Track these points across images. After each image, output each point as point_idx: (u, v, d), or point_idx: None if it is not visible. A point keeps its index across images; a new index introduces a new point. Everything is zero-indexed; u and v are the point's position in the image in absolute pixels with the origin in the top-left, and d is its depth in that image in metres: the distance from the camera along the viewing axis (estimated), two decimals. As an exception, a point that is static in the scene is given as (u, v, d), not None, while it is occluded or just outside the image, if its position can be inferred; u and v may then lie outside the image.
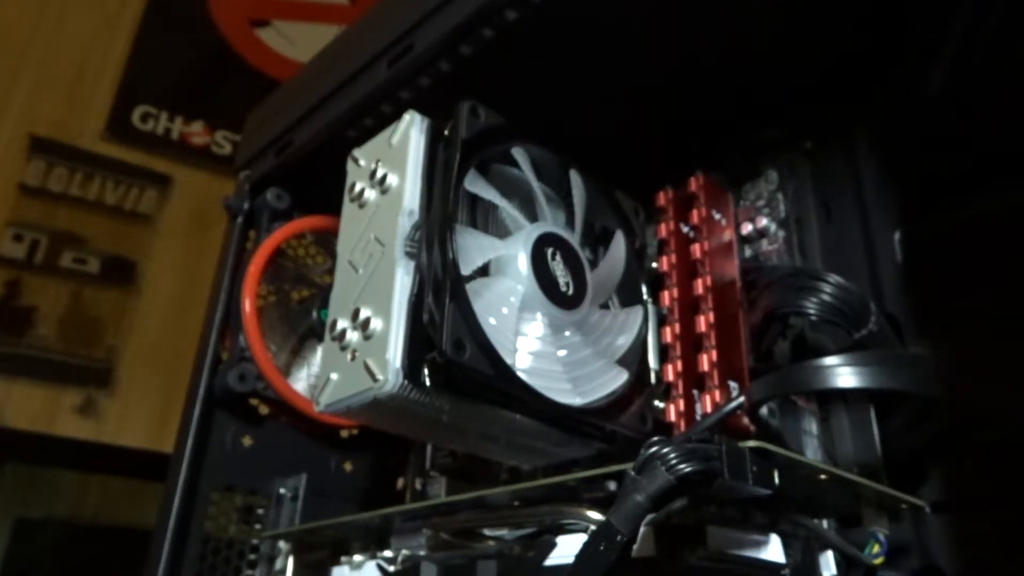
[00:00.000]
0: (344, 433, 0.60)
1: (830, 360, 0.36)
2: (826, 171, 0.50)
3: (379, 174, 0.45)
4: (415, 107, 0.46)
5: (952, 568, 0.40)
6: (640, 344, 0.48)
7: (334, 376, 0.43)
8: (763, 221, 0.50)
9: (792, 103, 0.51)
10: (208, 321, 0.55)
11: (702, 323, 0.46)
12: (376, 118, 0.53)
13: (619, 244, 0.50)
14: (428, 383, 0.40)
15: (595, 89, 0.52)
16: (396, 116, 0.47)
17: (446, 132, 0.45)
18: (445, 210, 0.42)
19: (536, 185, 0.47)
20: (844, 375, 0.35)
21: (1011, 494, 0.38)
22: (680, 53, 0.49)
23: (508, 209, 0.46)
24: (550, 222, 0.48)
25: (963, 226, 0.42)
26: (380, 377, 0.40)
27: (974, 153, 0.43)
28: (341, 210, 0.48)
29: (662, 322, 0.48)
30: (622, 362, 0.48)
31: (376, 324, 0.41)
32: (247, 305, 0.55)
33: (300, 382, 0.57)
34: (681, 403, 0.46)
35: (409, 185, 0.44)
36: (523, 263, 0.44)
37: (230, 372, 0.53)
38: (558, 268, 0.46)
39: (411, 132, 0.45)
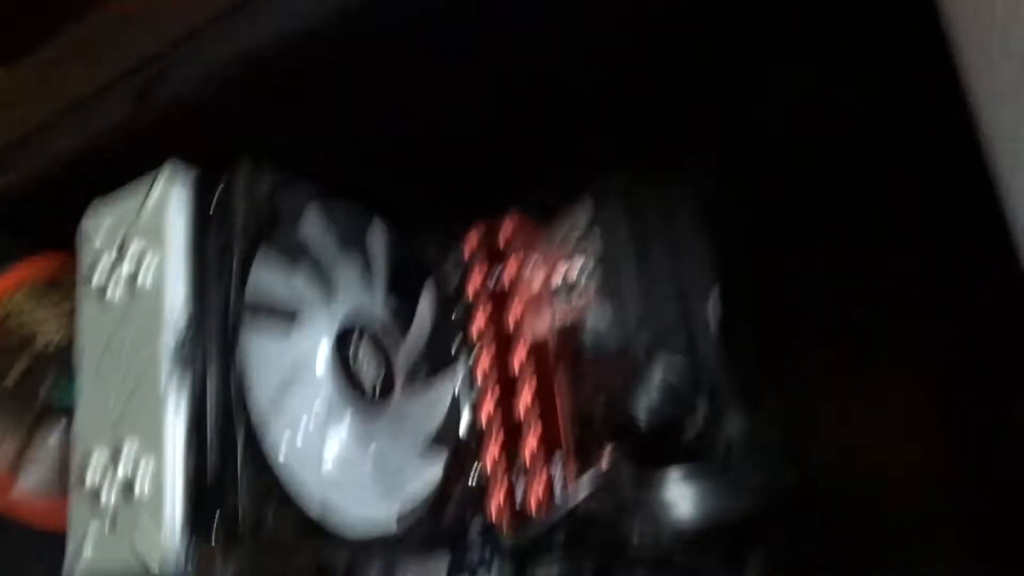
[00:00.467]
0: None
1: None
2: (640, 208, 0.47)
3: (128, 266, 0.34)
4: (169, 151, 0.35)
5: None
6: (454, 416, 0.43)
7: (87, 549, 0.33)
8: (577, 262, 0.46)
9: (605, 140, 0.46)
10: None
11: (520, 407, 0.42)
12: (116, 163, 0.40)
13: (426, 306, 0.43)
14: (219, 560, 0.32)
15: (397, 126, 0.43)
16: (143, 164, 0.36)
17: (217, 194, 0.35)
18: (227, 323, 0.32)
19: (332, 259, 0.39)
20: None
21: (845, 557, 0.39)
22: (492, 90, 0.41)
23: (303, 292, 0.37)
24: (352, 296, 0.40)
25: (779, 280, 0.42)
26: (151, 557, 0.31)
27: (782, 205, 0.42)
28: (77, 299, 0.36)
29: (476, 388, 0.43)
30: (438, 441, 0.42)
31: (143, 482, 0.32)
32: None
33: (37, 469, 0.45)
34: (502, 495, 0.42)
35: (171, 280, 0.33)
36: (325, 366, 0.37)
37: None
38: (365, 360, 0.39)
39: (171, 197, 0.34)
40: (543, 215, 0.47)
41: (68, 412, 0.44)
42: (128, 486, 0.32)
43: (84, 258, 0.37)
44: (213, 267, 0.33)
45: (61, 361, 0.45)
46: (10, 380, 0.44)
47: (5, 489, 0.43)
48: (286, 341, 0.36)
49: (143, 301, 0.34)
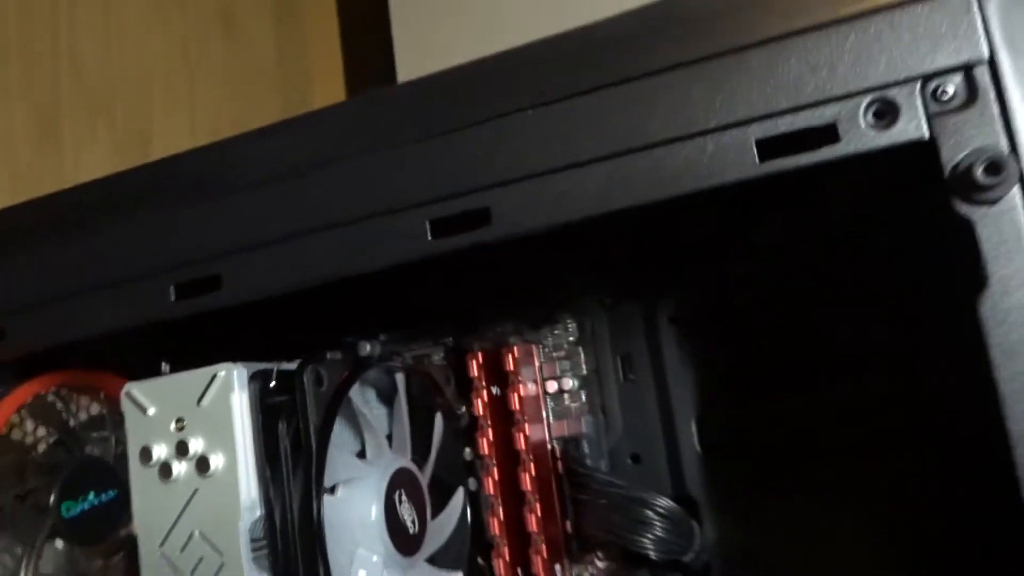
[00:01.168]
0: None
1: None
2: (624, 327, 0.52)
3: (193, 448, 0.37)
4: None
5: None
6: (465, 531, 0.48)
7: None
8: (568, 380, 0.51)
9: (587, 265, 0.51)
10: None
11: (531, 520, 0.47)
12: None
13: (438, 436, 0.47)
14: None
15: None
16: (194, 343, 0.38)
17: (271, 387, 0.38)
18: (310, 515, 0.36)
19: (374, 420, 0.42)
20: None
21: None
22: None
23: (357, 463, 0.41)
24: (393, 448, 0.43)
25: (755, 420, 0.48)
26: None
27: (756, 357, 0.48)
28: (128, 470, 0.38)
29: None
30: (456, 556, 0.47)
31: (237, 658, 0.35)
32: None
33: None
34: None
35: (243, 470, 0.36)
36: (378, 519, 0.40)
37: None
38: (405, 504, 0.43)
39: (232, 395, 0.37)
40: (529, 325, 0.52)
41: (72, 525, 0.47)
42: (217, 669, 0.35)
43: (134, 431, 0.39)
44: (286, 458, 0.36)
45: (65, 472, 0.47)
46: (16, 498, 0.45)
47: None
48: (351, 508, 0.39)
49: (214, 489, 0.36)
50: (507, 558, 0.48)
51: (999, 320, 0.26)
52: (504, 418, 0.49)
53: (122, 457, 0.50)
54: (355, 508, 0.40)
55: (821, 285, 0.45)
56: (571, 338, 0.52)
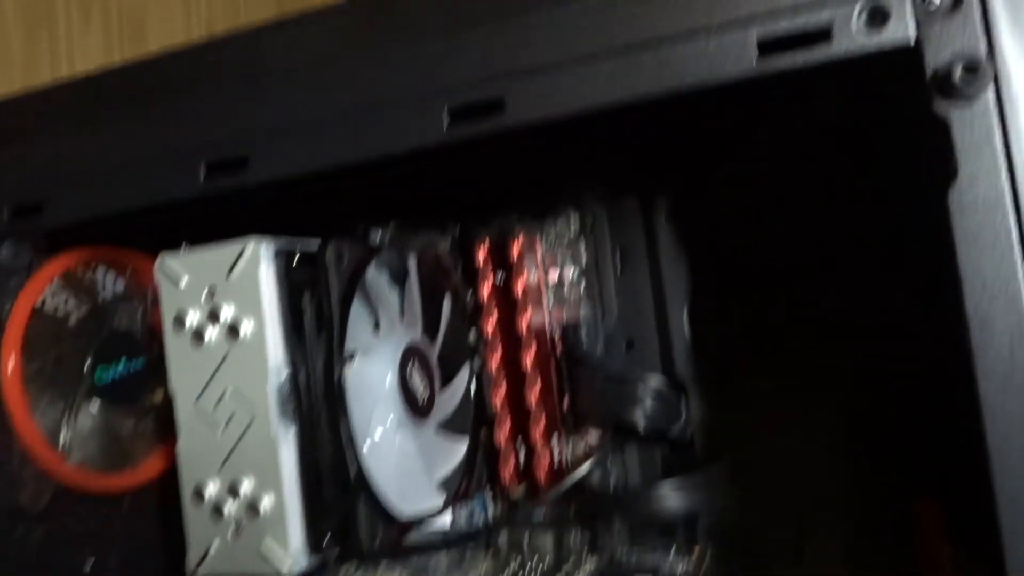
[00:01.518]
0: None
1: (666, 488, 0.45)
2: (623, 221, 0.55)
3: (224, 315, 0.40)
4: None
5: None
6: (469, 405, 0.52)
7: (214, 547, 0.40)
8: (568, 269, 0.54)
9: (590, 160, 0.53)
10: None
11: (531, 397, 0.51)
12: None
13: (446, 315, 0.50)
14: (332, 561, 0.41)
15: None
16: (213, 226, 0.41)
17: (295, 263, 0.41)
18: (332, 380, 0.39)
19: (389, 296, 0.45)
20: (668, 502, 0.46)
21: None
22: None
23: (376, 331, 0.44)
24: (405, 322, 0.47)
25: (743, 307, 0.52)
26: (282, 565, 0.39)
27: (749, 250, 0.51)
28: (165, 338, 0.42)
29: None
30: (460, 427, 0.51)
31: (266, 503, 0.39)
32: (14, 399, 0.46)
33: (84, 445, 0.50)
34: (511, 468, 0.52)
35: (271, 335, 0.40)
36: (392, 388, 0.44)
37: (21, 494, 0.45)
38: (416, 375, 0.46)
39: (259, 268, 0.40)
40: (532, 216, 0.55)
41: (106, 390, 0.51)
42: (250, 507, 0.39)
43: (168, 300, 0.42)
44: (310, 326, 0.40)
45: (97, 341, 0.50)
46: (53, 362, 0.49)
47: (60, 464, 0.48)
48: (368, 375, 0.43)
49: (244, 352, 0.40)
50: (507, 431, 0.52)
51: (964, 210, 0.28)
52: (507, 303, 0.52)
53: (148, 329, 0.54)
54: (371, 375, 0.43)
55: (808, 188, 0.48)
56: (573, 230, 0.55)
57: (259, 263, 0.40)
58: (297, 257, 0.41)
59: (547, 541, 0.55)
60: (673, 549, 0.50)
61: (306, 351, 0.40)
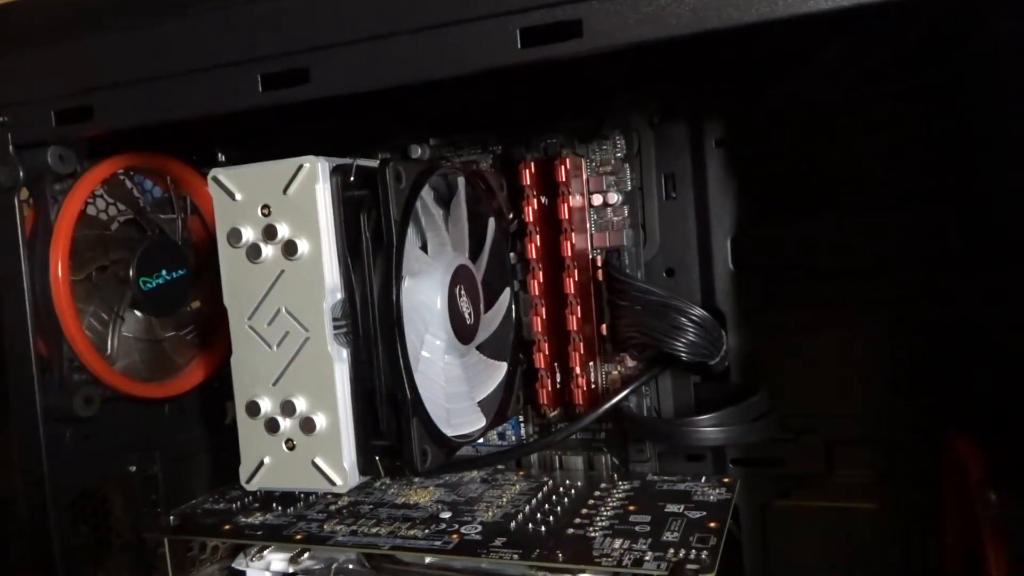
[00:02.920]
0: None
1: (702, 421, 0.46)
2: (671, 147, 0.54)
3: (279, 233, 0.40)
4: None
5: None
6: (510, 327, 0.52)
7: (267, 461, 0.41)
8: (612, 195, 0.54)
9: (640, 84, 0.52)
10: (18, 336, 0.44)
11: (572, 320, 0.51)
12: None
13: (490, 238, 0.50)
14: (381, 474, 0.41)
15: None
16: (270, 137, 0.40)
17: (350, 181, 0.40)
18: (389, 300, 0.39)
19: (438, 219, 0.45)
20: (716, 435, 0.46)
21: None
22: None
23: (424, 257, 0.44)
24: (454, 245, 0.46)
25: (784, 241, 0.51)
26: (338, 481, 0.40)
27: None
28: (218, 251, 0.41)
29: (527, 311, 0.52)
30: (501, 348, 0.52)
31: (320, 422, 0.40)
32: (65, 304, 0.45)
33: (127, 352, 0.50)
34: (549, 389, 0.52)
35: (327, 254, 0.39)
36: (442, 309, 0.44)
37: (74, 398, 0.45)
38: (463, 303, 0.46)
39: (316, 185, 0.39)
40: (578, 138, 0.54)
41: (148, 299, 0.51)
42: (303, 425, 0.40)
43: (222, 214, 0.41)
44: (367, 246, 0.39)
45: (140, 251, 0.50)
46: (99, 271, 0.49)
47: (108, 371, 0.49)
48: (418, 297, 0.43)
49: (300, 271, 0.40)
50: (547, 353, 0.52)
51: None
52: (551, 226, 0.52)
53: (187, 240, 0.54)
54: (422, 297, 0.43)
55: (855, 122, 0.47)
56: (619, 154, 0.54)
57: (316, 181, 0.39)
58: (353, 175, 0.40)
59: (578, 462, 0.56)
60: (703, 479, 0.51)
61: (363, 271, 0.40)
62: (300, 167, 0.39)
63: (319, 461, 0.40)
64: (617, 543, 0.42)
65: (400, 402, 0.39)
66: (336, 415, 0.40)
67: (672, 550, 0.41)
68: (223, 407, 0.58)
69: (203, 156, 0.57)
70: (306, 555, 0.47)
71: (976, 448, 0.40)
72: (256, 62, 0.38)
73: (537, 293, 0.52)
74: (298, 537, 0.47)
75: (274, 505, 0.52)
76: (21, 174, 0.44)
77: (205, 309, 0.55)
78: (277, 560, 0.48)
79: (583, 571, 0.40)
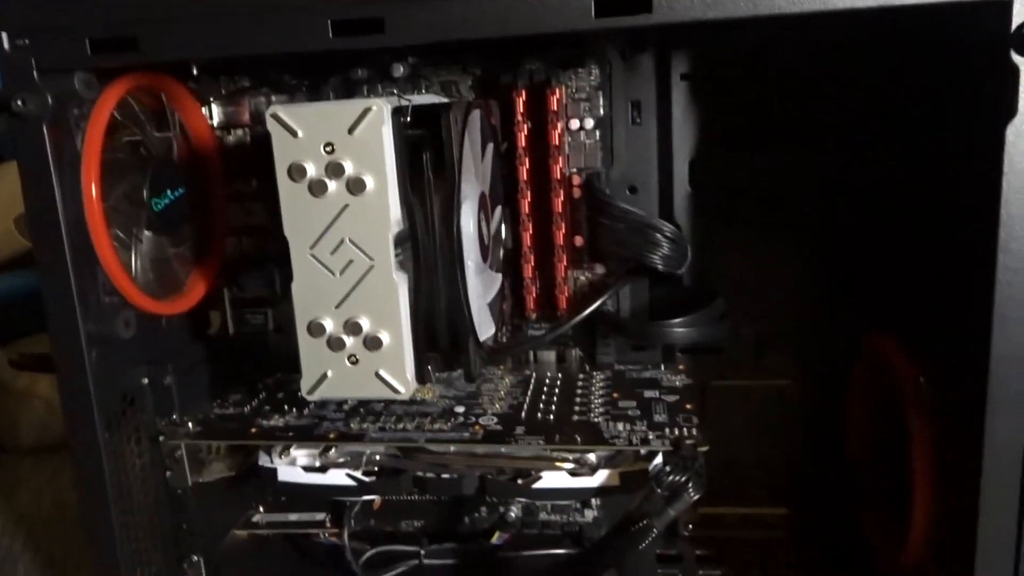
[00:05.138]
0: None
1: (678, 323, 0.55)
2: (639, 77, 0.59)
3: (345, 170, 0.43)
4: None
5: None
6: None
7: (330, 374, 0.46)
8: (588, 120, 0.59)
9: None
10: (57, 265, 0.44)
11: (557, 235, 0.58)
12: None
13: (489, 161, 0.55)
14: (433, 380, 0.47)
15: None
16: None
17: (408, 117, 0.43)
18: (451, 232, 0.44)
19: (472, 152, 0.49)
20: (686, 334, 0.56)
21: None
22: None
23: (465, 189, 0.48)
24: (476, 179, 0.51)
25: (736, 168, 0.59)
26: (401, 390, 0.45)
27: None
28: (276, 181, 0.44)
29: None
30: (496, 259, 0.57)
31: (385, 338, 0.44)
32: (99, 229, 0.45)
33: (143, 270, 0.51)
34: (535, 296, 0.59)
35: (391, 192, 0.43)
36: (473, 230, 0.49)
37: (116, 321, 0.45)
38: (483, 225, 0.51)
39: (381, 127, 0.42)
40: (559, 75, 0.59)
41: (158, 219, 0.52)
42: (367, 342, 0.45)
43: (282, 150, 0.43)
44: (427, 180, 0.43)
45: (150, 172, 0.51)
46: (120, 195, 0.49)
47: (135, 290, 0.50)
48: (463, 224, 0.47)
49: (364, 205, 0.43)
50: (533, 264, 0.59)
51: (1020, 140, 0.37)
52: (538, 150, 0.57)
53: (180, 159, 0.54)
54: (465, 224, 0.48)
55: (820, 76, 0.56)
56: (593, 83, 0.59)
57: (382, 122, 0.42)
58: (410, 115, 0.43)
59: (551, 356, 0.64)
60: (662, 365, 0.61)
61: (423, 204, 0.44)
62: (368, 109, 0.42)
63: (383, 373, 0.45)
64: (620, 426, 0.51)
65: (458, 320, 0.45)
66: (399, 333, 0.45)
67: (667, 429, 0.51)
68: (207, 319, 0.61)
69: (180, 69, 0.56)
70: (332, 449, 0.53)
71: (896, 344, 0.52)
72: (328, 7, 0.40)
73: (527, 211, 0.58)
74: (332, 436, 0.52)
75: (285, 407, 0.56)
76: (50, 101, 0.43)
77: (202, 228, 0.56)
78: (303, 455, 0.54)
79: (604, 450, 0.49)
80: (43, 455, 0.95)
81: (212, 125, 0.57)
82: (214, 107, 0.57)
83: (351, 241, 0.44)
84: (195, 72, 0.57)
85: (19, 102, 0.42)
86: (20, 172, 0.44)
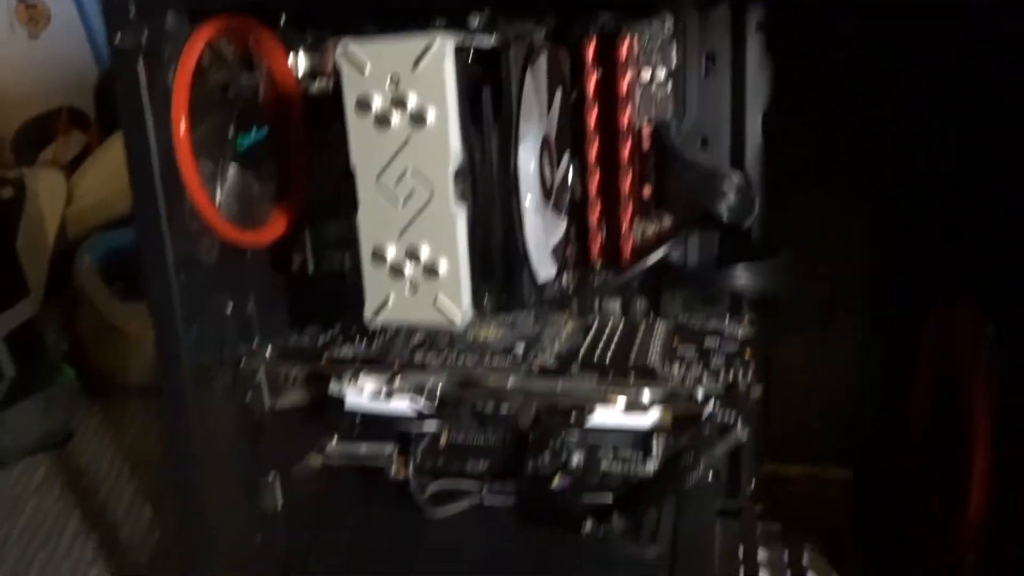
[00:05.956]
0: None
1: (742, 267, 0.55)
2: (714, 29, 0.59)
3: (411, 103, 0.45)
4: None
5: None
6: (567, 188, 0.59)
7: (392, 297, 0.48)
8: (660, 71, 0.59)
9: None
10: (148, 189, 0.48)
11: (625, 186, 0.58)
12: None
13: (556, 108, 0.56)
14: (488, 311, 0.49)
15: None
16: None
17: (470, 57, 0.45)
18: (507, 169, 0.45)
19: (533, 93, 0.50)
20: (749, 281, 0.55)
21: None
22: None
23: (525, 127, 0.49)
24: (539, 120, 0.52)
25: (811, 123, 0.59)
26: (456, 318, 0.47)
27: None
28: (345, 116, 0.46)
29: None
30: (562, 206, 0.58)
31: (443, 266, 0.46)
32: (187, 160, 0.49)
33: (227, 201, 0.55)
34: (599, 246, 0.60)
35: (453, 125, 0.45)
36: (535, 170, 0.50)
37: (200, 245, 0.49)
38: (545, 166, 0.52)
39: (444, 62, 0.44)
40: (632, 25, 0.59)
41: (243, 155, 0.55)
42: (427, 269, 0.47)
43: (350, 84, 0.46)
44: (487, 116, 0.45)
45: (241, 110, 0.55)
46: (207, 130, 0.53)
47: (219, 218, 0.54)
48: (522, 160, 0.49)
49: (427, 138, 0.45)
50: (598, 213, 0.60)
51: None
52: (608, 98, 0.58)
53: (267, 101, 0.58)
54: (523, 161, 0.49)
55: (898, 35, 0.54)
56: (666, 32, 0.59)
57: (444, 58, 0.44)
58: (472, 52, 0.45)
59: (615, 306, 0.65)
60: (727, 317, 0.61)
61: (483, 138, 0.45)
62: (430, 45, 0.44)
63: (441, 300, 0.47)
64: (675, 368, 0.52)
65: (513, 252, 0.47)
66: (457, 262, 0.46)
67: (723, 372, 0.51)
68: (290, 258, 0.64)
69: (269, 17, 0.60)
70: (398, 378, 0.55)
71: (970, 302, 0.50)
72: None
73: (593, 160, 0.59)
74: (396, 365, 0.55)
75: (357, 339, 0.60)
76: (145, 38, 0.47)
77: (279, 167, 0.60)
78: (370, 383, 0.56)
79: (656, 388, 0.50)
80: (150, 396, 1.03)
81: (296, 72, 0.60)
82: (300, 55, 0.61)
83: (413, 172, 0.46)
84: (283, 23, 0.60)
85: (119, 37, 0.46)
86: (118, 102, 0.48)
